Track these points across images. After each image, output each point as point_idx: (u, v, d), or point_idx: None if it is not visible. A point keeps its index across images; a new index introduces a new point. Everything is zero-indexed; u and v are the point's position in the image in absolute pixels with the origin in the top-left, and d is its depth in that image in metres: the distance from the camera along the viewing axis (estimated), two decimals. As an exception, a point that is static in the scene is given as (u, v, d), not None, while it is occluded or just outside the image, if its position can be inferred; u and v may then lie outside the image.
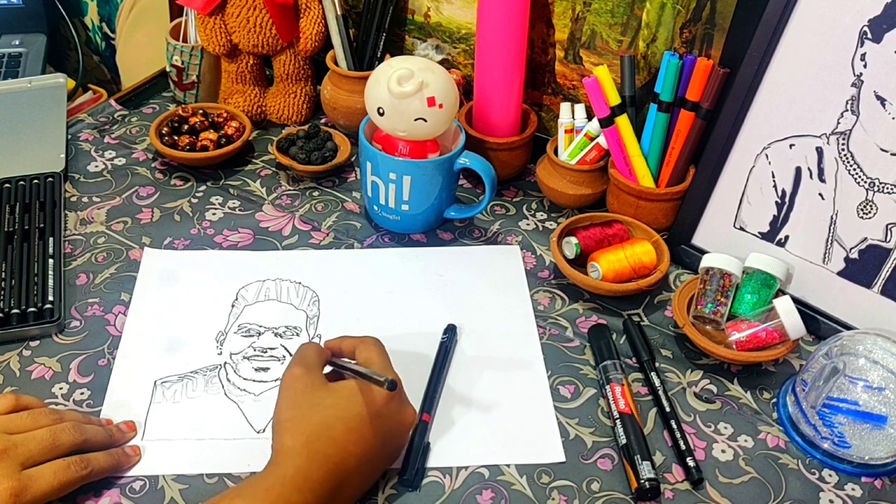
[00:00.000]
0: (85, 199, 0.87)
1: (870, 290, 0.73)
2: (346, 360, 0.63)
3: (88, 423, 0.62)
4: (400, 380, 0.60)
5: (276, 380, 0.70)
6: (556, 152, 0.89)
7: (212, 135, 0.91)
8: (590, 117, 0.87)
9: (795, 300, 0.73)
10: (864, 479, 0.65)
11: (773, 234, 0.78)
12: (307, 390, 0.58)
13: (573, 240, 0.80)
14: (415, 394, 0.68)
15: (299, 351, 0.62)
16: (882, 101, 0.67)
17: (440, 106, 0.75)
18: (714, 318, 0.74)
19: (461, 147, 0.81)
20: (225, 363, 0.71)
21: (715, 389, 0.72)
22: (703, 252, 0.80)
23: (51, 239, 0.80)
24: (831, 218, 0.73)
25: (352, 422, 0.57)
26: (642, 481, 0.62)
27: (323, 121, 1.02)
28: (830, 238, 0.74)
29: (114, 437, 0.63)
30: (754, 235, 0.79)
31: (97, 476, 0.59)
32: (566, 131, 0.88)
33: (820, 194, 0.73)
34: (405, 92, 0.74)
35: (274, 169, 0.94)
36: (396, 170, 0.79)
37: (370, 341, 0.63)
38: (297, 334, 0.74)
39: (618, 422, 0.66)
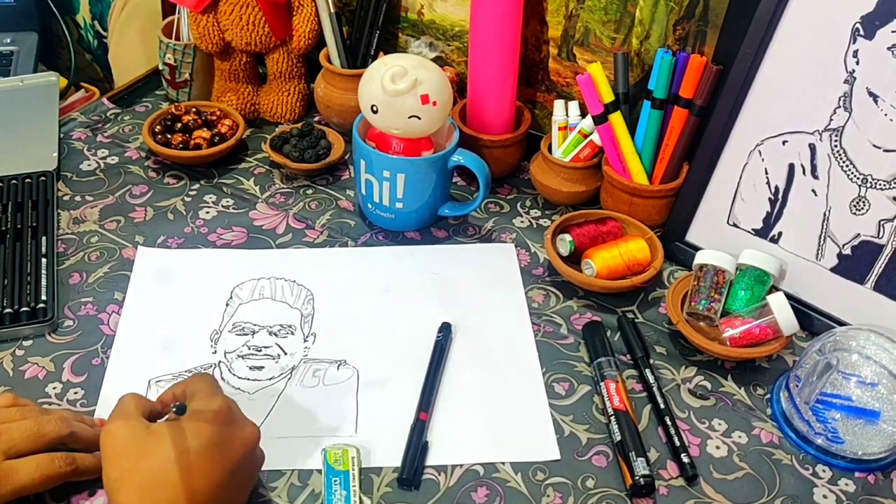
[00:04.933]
0: (78, 198, 0.87)
1: (863, 286, 0.73)
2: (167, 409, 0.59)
3: (79, 421, 0.61)
4: (228, 404, 0.57)
5: (270, 378, 0.70)
6: (549, 150, 0.89)
7: (205, 133, 0.91)
8: (583, 114, 0.87)
9: (789, 296, 0.73)
10: (857, 474, 0.65)
11: (766, 230, 0.78)
12: (129, 442, 0.53)
13: (567, 237, 0.80)
14: (411, 392, 0.68)
15: (117, 404, 0.57)
16: (874, 97, 0.67)
17: (434, 103, 0.75)
18: (708, 315, 0.74)
19: (455, 144, 0.81)
20: (219, 362, 0.71)
21: (709, 386, 0.72)
22: (696, 249, 0.80)
23: (43, 238, 0.79)
24: (824, 214, 0.73)
25: (184, 459, 0.52)
26: (637, 478, 0.62)
27: (316, 119, 1.02)
28: (823, 234, 0.74)
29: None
30: (748, 232, 0.79)
31: (82, 475, 0.59)
32: (560, 128, 0.88)
33: (813, 191, 0.74)
34: (399, 90, 0.74)
35: (267, 167, 0.94)
36: (390, 167, 0.79)
37: (198, 376, 0.59)
38: (292, 333, 0.74)
39: (612, 418, 0.66)
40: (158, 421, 0.57)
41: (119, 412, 0.57)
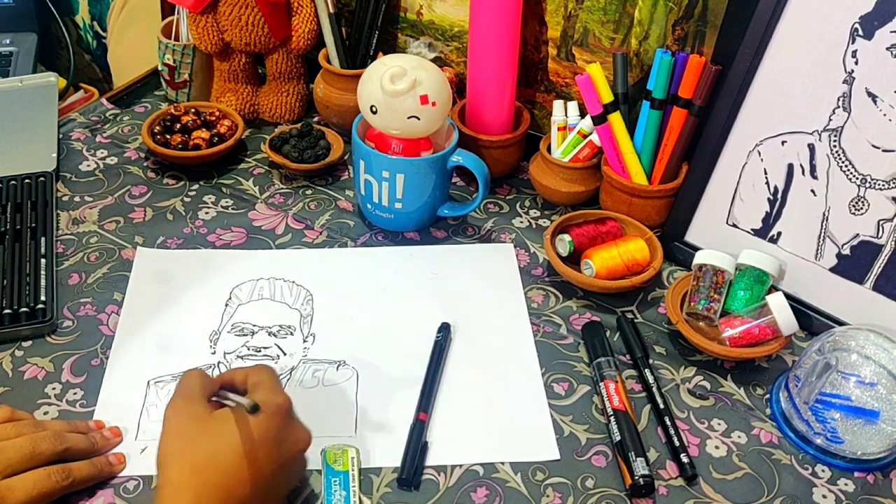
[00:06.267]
0: (77, 199, 0.87)
1: (862, 286, 0.73)
2: (227, 392, 0.59)
3: (73, 430, 0.61)
4: (290, 401, 0.57)
5: (270, 379, 0.70)
6: (549, 150, 0.89)
7: (204, 133, 0.91)
8: (583, 115, 0.87)
9: (788, 296, 0.73)
10: (856, 474, 0.65)
11: (765, 230, 0.78)
12: (191, 422, 0.55)
13: (566, 237, 0.80)
14: (410, 392, 0.68)
15: (181, 381, 0.58)
16: (873, 97, 0.67)
17: (433, 104, 0.75)
18: (707, 315, 0.74)
19: (454, 145, 0.81)
20: (219, 363, 0.71)
21: (708, 386, 0.72)
22: (696, 249, 0.80)
23: (43, 239, 0.79)
24: (823, 214, 0.74)
25: (240, 448, 0.53)
26: (636, 478, 0.62)
27: (316, 119, 1.02)
28: (822, 234, 0.74)
29: (97, 444, 0.62)
30: (747, 232, 0.79)
31: (79, 486, 0.59)
32: (559, 129, 0.88)
33: (812, 191, 0.74)
34: (398, 90, 0.74)
35: (267, 167, 0.94)
36: (390, 168, 0.79)
37: (260, 367, 0.60)
38: (291, 333, 0.74)
39: (612, 419, 0.66)
40: (214, 398, 0.58)
41: (184, 392, 0.57)
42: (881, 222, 0.70)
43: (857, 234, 0.72)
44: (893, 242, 0.70)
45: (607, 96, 0.81)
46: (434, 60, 0.98)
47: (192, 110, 0.95)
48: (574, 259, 0.81)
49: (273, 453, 0.55)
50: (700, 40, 0.80)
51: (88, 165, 0.92)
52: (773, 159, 0.75)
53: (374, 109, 0.76)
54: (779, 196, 0.76)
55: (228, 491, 0.53)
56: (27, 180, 0.86)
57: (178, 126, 0.93)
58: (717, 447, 0.66)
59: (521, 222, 0.89)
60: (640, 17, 0.82)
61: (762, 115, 0.74)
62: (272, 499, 0.57)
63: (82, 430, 0.62)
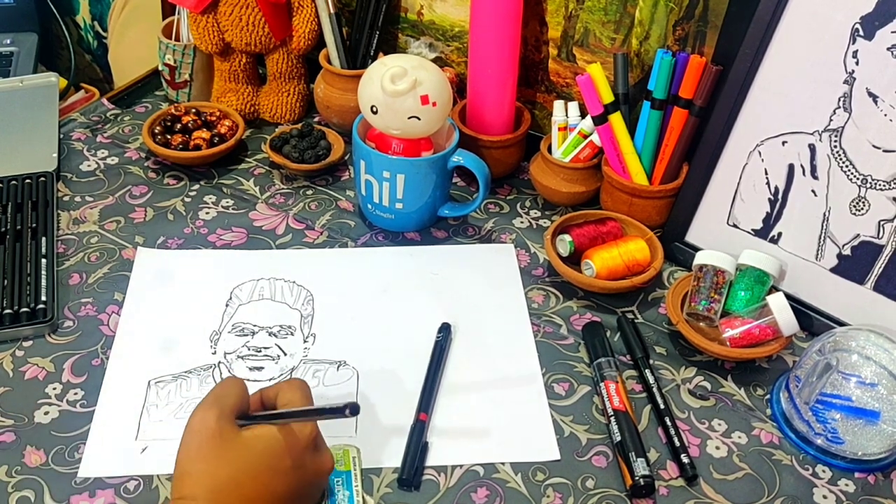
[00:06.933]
0: (77, 199, 0.87)
1: (862, 287, 0.73)
2: (265, 412, 0.58)
3: None
4: (317, 429, 0.56)
5: (270, 379, 0.70)
6: (549, 150, 0.89)
7: (205, 133, 0.91)
8: (583, 115, 0.87)
9: (788, 297, 0.73)
10: (857, 474, 0.65)
11: (766, 230, 0.78)
12: (215, 439, 0.52)
13: (567, 237, 0.80)
14: (411, 393, 0.68)
15: (218, 389, 0.56)
16: (874, 97, 0.67)
17: (434, 104, 0.75)
18: (708, 315, 0.74)
19: (455, 145, 0.81)
20: (219, 363, 0.71)
21: (709, 386, 0.72)
22: (696, 249, 0.80)
23: (43, 239, 0.79)
24: (824, 214, 0.73)
25: (264, 476, 0.52)
26: (637, 478, 0.62)
27: (316, 119, 1.02)
28: (823, 235, 0.74)
29: None
30: (747, 232, 0.79)
31: None
32: (560, 129, 0.88)
33: (813, 191, 0.74)
34: (399, 90, 0.74)
35: (267, 168, 0.94)
36: (390, 168, 0.79)
37: (294, 384, 0.58)
38: (292, 333, 0.74)
39: (612, 419, 0.66)
40: (243, 422, 0.55)
41: (216, 404, 0.54)
42: (882, 223, 0.70)
43: (858, 235, 0.72)
44: (894, 243, 0.70)
45: (608, 96, 0.81)
46: (434, 60, 0.98)
47: (193, 110, 0.95)
48: (574, 259, 0.81)
49: (293, 483, 0.54)
50: (701, 40, 0.80)
51: (89, 165, 0.92)
52: (773, 159, 0.75)
53: (374, 109, 0.76)
54: (779, 196, 0.76)
55: None
56: (28, 180, 0.86)
57: (179, 126, 0.93)
58: (717, 447, 0.66)
59: (522, 222, 0.89)
60: (641, 18, 0.82)
61: (763, 116, 0.74)
62: None
63: None
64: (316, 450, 0.56)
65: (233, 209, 0.87)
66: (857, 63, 0.67)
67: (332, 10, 0.93)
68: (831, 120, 0.70)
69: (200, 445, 0.52)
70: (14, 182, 0.86)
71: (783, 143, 0.74)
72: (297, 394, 0.57)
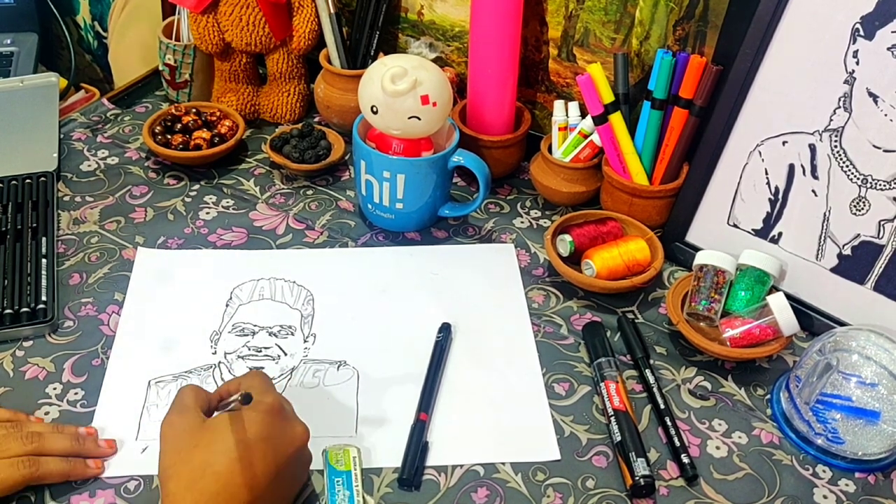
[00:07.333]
0: (78, 199, 0.87)
1: (863, 287, 0.73)
2: (225, 402, 0.60)
3: (59, 432, 0.61)
4: (281, 400, 0.58)
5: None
6: (549, 150, 0.89)
7: (205, 133, 0.91)
8: (583, 115, 0.87)
9: (789, 297, 0.73)
10: (857, 474, 0.65)
11: (766, 230, 0.78)
12: (184, 434, 0.55)
13: (567, 237, 0.80)
14: (411, 393, 0.68)
15: (177, 396, 0.59)
16: (874, 97, 0.67)
17: (434, 104, 0.75)
18: (708, 315, 0.74)
19: (455, 145, 0.81)
20: (219, 363, 0.71)
21: (709, 386, 0.72)
22: (696, 249, 0.80)
23: (43, 239, 0.79)
24: (824, 214, 0.73)
25: (233, 452, 0.54)
26: (637, 478, 0.62)
27: (316, 119, 1.02)
28: (823, 234, 0.74)
29: (83, 447, 0.62)
30: (748, 232, 0.79)
31: (49, 479, 0.59)
32: (560, 129, 0.88)
33: (813, 191, 0.74)
34: (399, 90, 0.74)
35: (267, 168, 0.94)
36: (390, 168, 0.79)
37: (251, 373, 0.61)
38: (292, 333, 0.74)
39: (612, 419, 0.66)
40: (216, 413, 0.58)
41: (178, 406, 0.58)
42: (882, 223, 0.70)
43: (858, 235, 0.72)
44: (894, 243, 0.70)
45: (608, 96, 0.81)
46: (435, 60, 0.98)
47: (193, 110, 0.95)
48: (575, 259, 0.81)
49: (269, 454, 0.55)
50: (701, 40, 0.80)
51: (89, 165, 0.92)
52: (773, 159, 0.75)
53: (374, 110, 0.76)
54: (780, 196, 0.76)
55: (227, 496, 0.53)
56: (28, 180, 0.86)
57: (179, 126, 0.93)
58: (717, 447, 0.66)
59: (522, 222, 0.89)
60: (641, 18, 0.82)
61: (763, 116, 0.74)
62: (279, 498, 0.57)
63: (70, 435, 0.62)
64: (284, 419, 0.58)
65: (233, 209, 0.87)
66: (857, 63, 0.67)
67: (332, 10, 0.93)
68: (831, 120, 0.70)
69: (172, 442, 0.56)
70: (14, 182, 0.86)
71: (783, 142, 0.74)
72: (255, 379, 0.60)
